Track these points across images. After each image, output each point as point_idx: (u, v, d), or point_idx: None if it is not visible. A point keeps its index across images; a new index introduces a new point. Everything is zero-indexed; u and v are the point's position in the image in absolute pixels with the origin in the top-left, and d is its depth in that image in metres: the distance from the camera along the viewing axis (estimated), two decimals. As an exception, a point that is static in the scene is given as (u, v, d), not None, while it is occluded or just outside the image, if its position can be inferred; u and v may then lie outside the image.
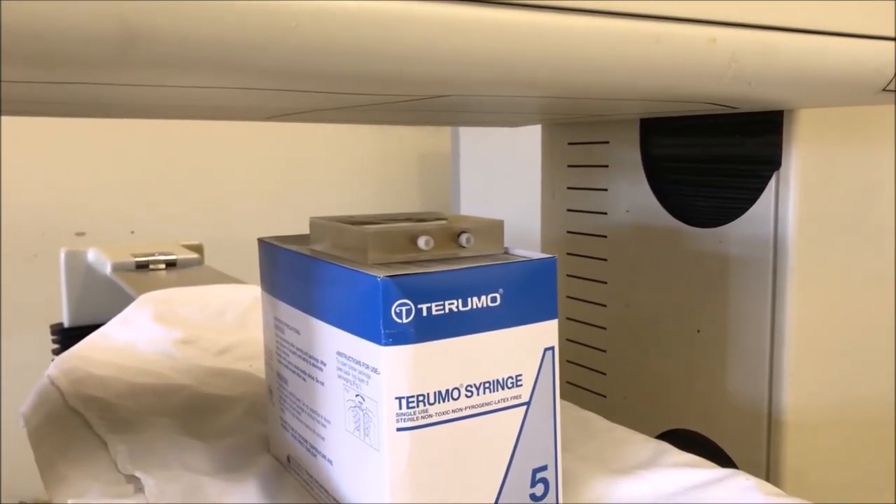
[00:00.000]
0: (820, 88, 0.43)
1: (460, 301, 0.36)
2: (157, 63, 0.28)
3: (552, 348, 0.39)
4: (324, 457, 0.41)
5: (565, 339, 0.74)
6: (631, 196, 0.66)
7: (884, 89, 0.43)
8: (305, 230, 0.46)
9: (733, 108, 0.52)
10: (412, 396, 0.35)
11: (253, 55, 0.27)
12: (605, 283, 0.70)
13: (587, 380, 0.73)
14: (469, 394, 0.37)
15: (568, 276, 0.74)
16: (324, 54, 0.28)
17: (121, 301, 0.84)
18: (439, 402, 0.36)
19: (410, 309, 0.35)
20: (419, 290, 0.35)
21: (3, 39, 0.24)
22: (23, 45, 0.24)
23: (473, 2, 0.29)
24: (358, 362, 0.37)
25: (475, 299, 0.36)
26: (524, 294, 0.38)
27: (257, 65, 0.29)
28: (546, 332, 0.39)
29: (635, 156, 0.66)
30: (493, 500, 0.38)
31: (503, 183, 1.54)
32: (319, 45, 0.27)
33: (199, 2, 0.25)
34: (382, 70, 0.31)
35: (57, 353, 0.95)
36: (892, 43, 0.40)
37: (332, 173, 2.03)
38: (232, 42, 0.26)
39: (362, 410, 0.37)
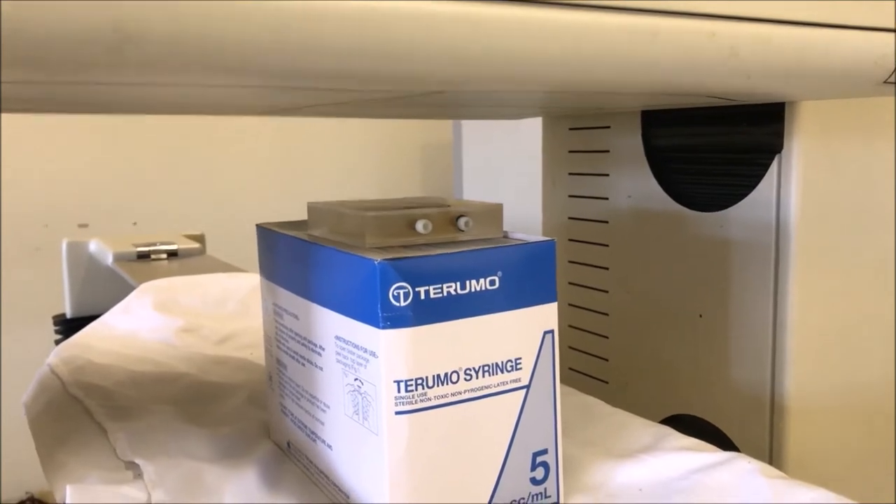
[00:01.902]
0: (820, 81, 0.42)
1: (459, 284, 0.36)
2: (150, 64, 0.27)
3: (552, 332, 0.39)
4: (323, 442, 0.41)
5: (567, 325, 0.74)
6: (632, 181, 0.66)
7: (885, 81, 0.42)
8: (305, 218, 0.46)
9: (733, 100, 0.52)
10: (411, 380, 0.35)
11: (248, 55, 0.27)
12: (607, 268, 0.69)
13: (589, 366, 0.73)
14: (468, 377, 0.36)
15: (569, 262, 0.74)
16: (318, 54, 0.28)
17: (123, 291, 0.84)
18: (438, 386, 0.36)
19: (408, 292, 0.35)
20: (417, 274, 0.35)
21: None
22: (16, 48, 0.24)
23: None
24: (356, 346, 0.36)
25: (474, 282, 0.36)
26: (523, 277, 0.38)
27: (252, 65, 0.28)
28: (546, 316, 0.38)
29: (636, 141, 0.65)
30: (493, 484, 0.38)
31: (505, 170, 1.53)
32: (313, 44, 0.27)
33: (192, 3, 0.24)
34: (378, 68, 0.31)
35: (59, 343, 0.95)
36: (893, 35, 0.40)
37: (334, 163, 2.02)
38: (227, 43, 0.26)
39: (361, 394, 0.37)
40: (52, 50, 0.25)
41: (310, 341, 0.41)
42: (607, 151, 0.69)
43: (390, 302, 0.34)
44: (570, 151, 0.73)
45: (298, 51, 0.27)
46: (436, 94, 0.42)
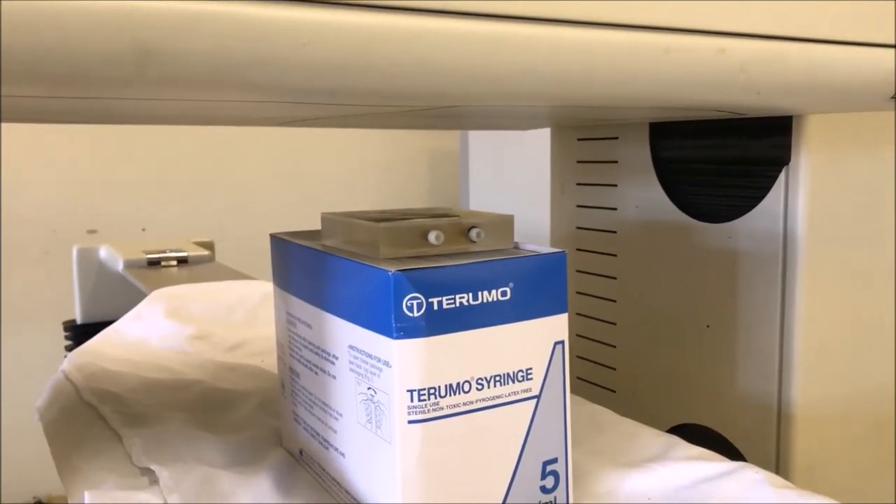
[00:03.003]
0: (828, 97, 0.43)
1: (471, 295, 0.36)
2: (169, 81, 0.28)
3: (562, 342, 0.39)
4: (336, 450, 0.42)
5: (575, 334, 0.75)
6: (640, 191, 0.66)
7: (892, 97, 0.43)
8: (315, 226, 0.47)
9: (742, 114, 0.52)
10: (423, 389, 0.36)
11: (264, 73, 0.28)
12: (615, 278, 0.70)
13: (597, 375, 0.73)
14: (480, 387, 0.37)
15: (578, 271, 0.74)
16: (333, 71, 0.28)
17: (133, 298, 0.85)
18: (450, 395, 0.36)
19: (421, 303, 0.35)
20: (430, 284, 0.35)
21: (14, 59, 0.24)
22: (35, 65, 0.25)
23: (483, 17, 0.29)
24: (370, 356, 0.37)
25: (486, 293, 0.37)
26: (534, 288, 0.38)
27: (268, 82, 0.29)
28: (556, 326, 0.39)
29: (644, 151, 0.66)
30: (504, 493, 0.38)
31: (512, 179, 1.54)
32: (329, 62, 0.28)
33: (211, 21, 0.25)
34: (394, 86, 0.31)
35: (70, 349, 0.95)
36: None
37: (342, 170, 2.03)
38: (244, 60, 0.26)
39: (374, 403, 0.37)
40: (72, 67, 0.25)
41: (323, 350, 0.42)
42: (615, 162, 0.69)
43: (404, 312, 0.35)
44: (579, 162, 0.74)
45: (318, 68, 0.28)
46: (447, 108, 0.43)
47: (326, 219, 0.44)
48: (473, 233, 0.40)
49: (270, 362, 0.66)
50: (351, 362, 0.39)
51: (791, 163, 0.54)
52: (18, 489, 1.70)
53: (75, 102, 0.38)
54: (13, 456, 1.67)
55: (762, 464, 0.55)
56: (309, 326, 0.43)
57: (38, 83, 0.29)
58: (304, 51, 0.27)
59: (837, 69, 0.39)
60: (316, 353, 0.43)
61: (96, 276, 1.03)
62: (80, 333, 1.00)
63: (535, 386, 0.38)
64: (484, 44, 0.30)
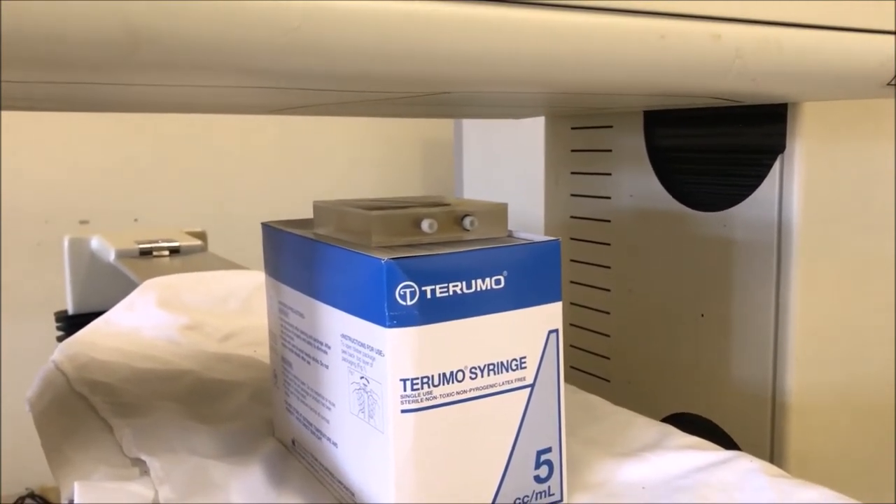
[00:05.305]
0: (824, 83, 0.43)
1: (464, 283, 0.36)
2: (161, 65, 0.28)
3: (556, 331, 0.39)
4: (328, 439, 0.41)
5: (569, 323, 0.74)
6: (634, 180, 0.66)
7: (888, 84, 0.42)
8: (308, 216, 0.46)
9: (737, 101, 0.52)
10: (417, 378, 0.35)
11: (256, 56, 0.27)
12: (609, 267, 0.70)
13: (591, 364, 0.73)
14: (473, 376, 0.37)
15: (572, 260, 0.74)
16: (326, 55, 0.28)
17: (125, 288, 0.84)
18: (444, 384, 0.36)
19: (415, 291, 0.35)
20: (423, 273, 0.35)
21: (7, 42, 0.24)
22: (27, 49, 0.24)
23: (477, 1, 0.29)
24: (362, 345, 0.37)
25: (479, 282, 0.36)
26: (528, 277, 0.38)
27: (260, 66, 0.29)
28: (550, 315, 0.39)
29: (639, 140, 0.65)
30: (498, 482, 0.38)
31: (506, 169, 1.53)
32: (322, 45, 0.27)
33: (202, 4, 0.25)
34: (385, 70, 0.31)
35: (61, 340, 0.95)
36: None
37: (335, 160, 2.02)
38: (235, 44, 0.26)
39: (367, 393, 0.37)
40: (64, 51, 0.25)
41: (315, 339, 0.42)
42: (609, 151, 0.69)
43: (397, 301, 0.35)
44: (573, 150, 0.74)
45: (309, 52, 0.28)
46: (441, 95, 0.42)
47: (318, 207, 0.44)
48: (467, 221, 0.40)
49: (263, 352, 0.66)
50: (343, 351, 0.39)
51: (786, 151, 0.54)
52: (10, 480, 1.70)
53: (69, 88, 0.37)
54: (5, 447, 1.66)
55: (756, 452, 0.55)
56: (301, 316, 0.43)
57: (31, 67, 0.28)
58: (295, 34, 0.27)
59: (833, 56, 0.39)
60: (308, 343, 0.42)
61: (88, 267, 1.03)
62: (71, 324, 0.99)
63: (528, 375, 0.38)
64: (477, 28, 0.29)
